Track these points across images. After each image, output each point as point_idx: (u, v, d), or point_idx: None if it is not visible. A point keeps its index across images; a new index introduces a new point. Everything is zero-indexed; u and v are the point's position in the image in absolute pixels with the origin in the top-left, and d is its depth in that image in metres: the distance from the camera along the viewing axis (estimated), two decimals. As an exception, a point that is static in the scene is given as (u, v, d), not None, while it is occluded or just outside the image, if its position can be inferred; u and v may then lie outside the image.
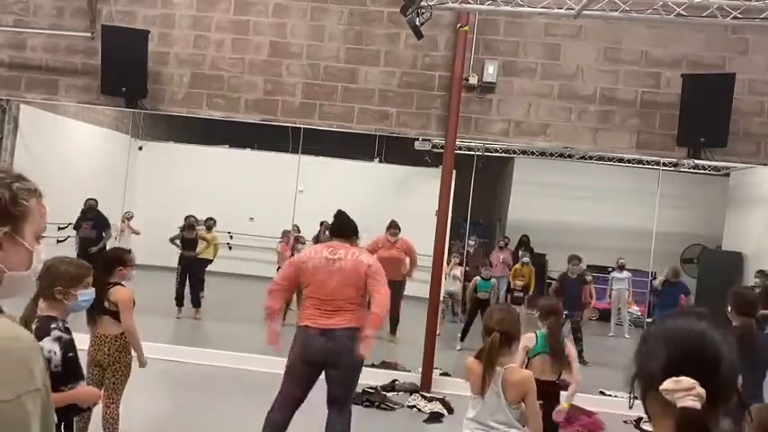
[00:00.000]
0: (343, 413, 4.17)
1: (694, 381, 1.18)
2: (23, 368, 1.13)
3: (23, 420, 1.10)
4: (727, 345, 1.25)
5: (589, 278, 9.51)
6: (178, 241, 9.34)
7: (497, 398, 3.16)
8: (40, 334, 2.76)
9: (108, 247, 8.72)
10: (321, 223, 9.73)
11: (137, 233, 9.62)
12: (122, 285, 4.09)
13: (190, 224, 9.24)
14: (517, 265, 9.86)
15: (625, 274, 9.74)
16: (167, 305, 8.82)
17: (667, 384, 1.20)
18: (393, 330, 8.51)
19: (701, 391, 1.18)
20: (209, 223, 9.66)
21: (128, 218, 9.75)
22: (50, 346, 2.78)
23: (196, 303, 9.18)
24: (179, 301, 9.09)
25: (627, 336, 9.91)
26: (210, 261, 9.58)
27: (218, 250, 9.82)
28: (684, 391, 1.18)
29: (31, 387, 1.12)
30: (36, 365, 1.15)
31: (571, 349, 4.45)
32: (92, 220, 8.94)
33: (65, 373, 2.78)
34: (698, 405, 1.17)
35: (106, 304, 3.98)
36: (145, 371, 4.18)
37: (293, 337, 4.24)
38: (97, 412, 3.76)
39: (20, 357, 1.14)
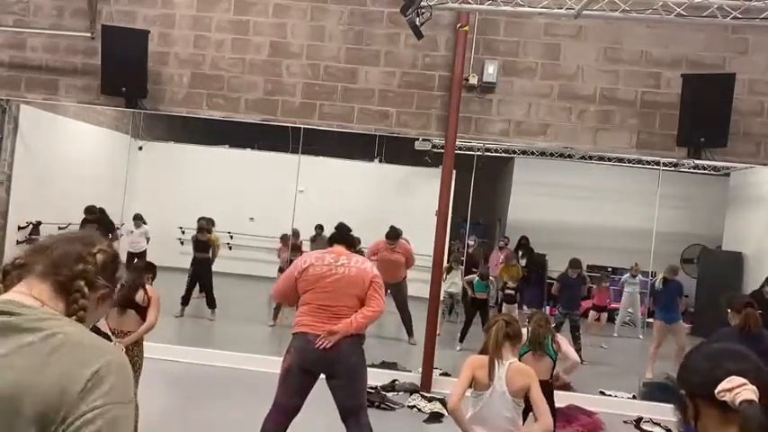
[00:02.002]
0: (360, 424, 4.00)
1: (744, 379, 1.30)
2: (132, 378, 1.30)
3: (129, 421, 1.25)
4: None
5: (605, 283, 9.54)
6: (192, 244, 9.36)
7: (502, 394, 3.17)
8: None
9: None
10: (316, 227, 9.73)
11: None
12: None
13: (201, 227, 9.21)
14: (502, 265, 9.91)
15: (638, 278, 9.71)
16: (167, 305, 8.77)
17: (723, 385, 1.30)
18: (410, 332, 8.49)
19: (754, 387, 1.28)
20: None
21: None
22: None
23: (212, 305, 9.19)
24: (185, 300, 9.09)
25: (641, 337, 9.83)
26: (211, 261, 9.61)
27: (219, 250, 9.83)
28: (740, 386, 1.28)
29: (133, 397, 1.28)
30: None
31: (562, 342, 4.49)
32: (95, 222, 8.91)
33: None
34: (756, 398, 1.27)
35: (139, 298, 4.38)
36: (145, 370, 4.20)
37: (289, 343, 4.11)
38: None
39: (130, 369, 1.30)
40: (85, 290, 1.36)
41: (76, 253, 1.39)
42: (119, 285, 1.50)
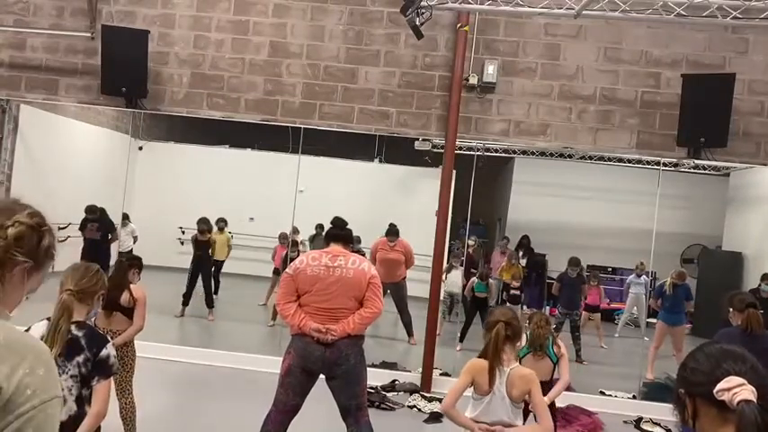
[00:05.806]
0: (360, 423, 3.99)
1: (743, 379, 1.31)
2: (55, 372, 1.23)
3: (55, 419, 1.19)
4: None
5: (594, 282, 9.51)
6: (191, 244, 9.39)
7: (501, 399, 3.16)
8: (101, 341, 2.70)
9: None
10: (316, 226, 9.73)
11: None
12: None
13: (201, 230, 9.22)
14: (504, 264, 9.87)
15: (643, 278, 9.66)
16: (166, 305, 8.81)
17: (721, 385, 1.31)
18: (410, 332, 8.46)
19: (752, 387, 1.30)
20: (221, 225, 9.68)
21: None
22: (114, 351, 2.74)
23: (209, 304, 9.19)
24: (186, 300, 9.10)
25: (646, 339, 9.74)
26: (222, 261, 9.61)
27: (231, 250, 9.85)
28: (738, 386, 1.29)
29: (59, 393, 1.21)
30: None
31: (561, 348, 4.47)
32: (96, 221, 8.93)
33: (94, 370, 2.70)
34: (754, 398, 1.28)
35: (124, 301, 4.30)
36: (144, 370, 4.21)
37: (289, 344, 4.09)
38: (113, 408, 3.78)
39: (52, 362, 1.22)
40: None
41: None
42: (51, 255, 1.36)
